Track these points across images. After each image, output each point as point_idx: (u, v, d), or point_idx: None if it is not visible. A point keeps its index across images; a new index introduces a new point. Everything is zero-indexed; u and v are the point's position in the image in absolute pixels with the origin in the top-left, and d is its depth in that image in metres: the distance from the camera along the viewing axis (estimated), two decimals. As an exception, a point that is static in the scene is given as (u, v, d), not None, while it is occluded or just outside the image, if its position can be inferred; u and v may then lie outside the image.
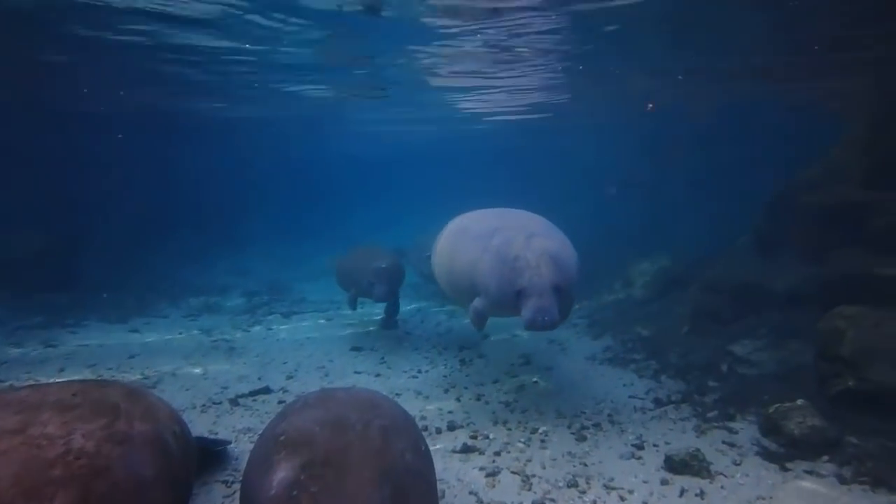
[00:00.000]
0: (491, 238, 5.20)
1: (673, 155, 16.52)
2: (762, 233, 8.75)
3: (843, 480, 4.12)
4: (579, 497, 4.01)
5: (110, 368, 6.89)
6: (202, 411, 5.57)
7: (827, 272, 6.53)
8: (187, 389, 6.19)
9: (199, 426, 5.15)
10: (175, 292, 11.84)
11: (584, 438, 4.93)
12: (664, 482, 4.18)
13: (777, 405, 4.77)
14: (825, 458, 4.40)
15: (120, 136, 16.63)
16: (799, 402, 4.73)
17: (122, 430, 2.85)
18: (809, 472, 4.25)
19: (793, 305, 6.82)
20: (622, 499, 3.99)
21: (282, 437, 3.14)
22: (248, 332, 8.92)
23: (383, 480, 2.96)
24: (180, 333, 8.74)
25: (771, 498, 3.94)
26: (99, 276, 11.84)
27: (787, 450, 4.53)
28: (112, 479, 2.61)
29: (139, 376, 6.60)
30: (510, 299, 4.82)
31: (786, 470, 4.31)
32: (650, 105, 12.27)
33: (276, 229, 21.19)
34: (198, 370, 6.88)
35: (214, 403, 5.77)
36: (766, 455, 4.52)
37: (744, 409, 5.29)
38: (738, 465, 4.41)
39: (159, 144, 22.43)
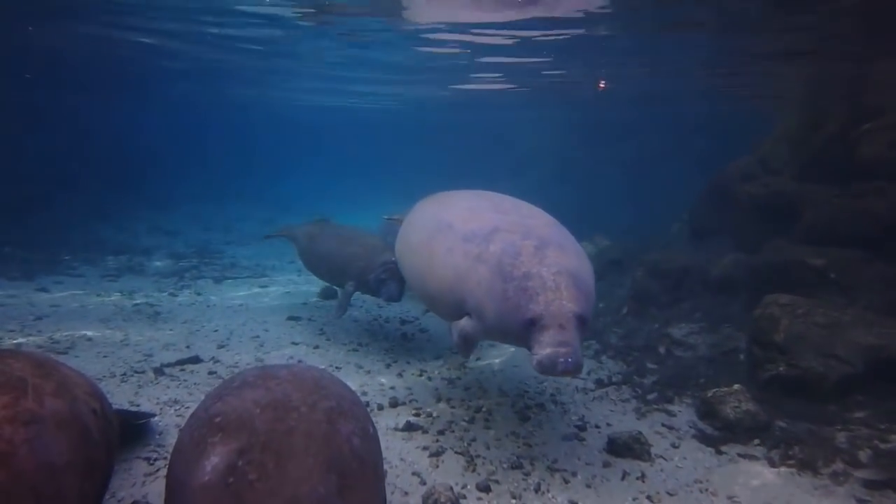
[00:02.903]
0: (488, 242, 3.97)
1: (608, 141, 16.94)
2: (697, 220, 9.07)
3: (772, 463, 4.30)
4: (523, 479, 3.97)
5: (12, 331, 6.19)
6: (122, 381, 5.11)
7: (759, 260, 6.81)
8: (105, 356, 5.67)
9: (119, 397, 4.72)
10: (91, 250, 10.93)
11: (527, 418, 4.90)
12: (606, 464, 4.22)
13: (715, 390, 4.93)
14: (756, 441, 4.57)
15: (28, 76, 14.92)
16: (735, 386, 4.90)
17: (30, 409, 2.45)
18: (742, 456, 4.40)
19: (725, 291, 7.10)
20: (566, 481, 3.98)
21: (217, 419, 2.85)
22: (176, 296, 8.35)
23: (329, 468, 2.75)
24: (98, 295, 8.05)
25: (707, 481, 4.05)
26: (-1, 230, 10.70)
27: (722, 433, 4.69)
28: (16, 467, 2.23)
29: (47, 340, 5.98)
30: (516, 328, 3.64)
31: (721, 453, 4.45)
32: (602, 83, 12.36)
33: (203, 190, 20.10)
34: (118, 335, 6.33)
35: (136, 372, 5.31)
36: (703, 438, 4.66)
37: (681, 392, 5.45)
38: (677, 447, 4.52)
39: (76, 95, 20.63)
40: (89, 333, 6.32)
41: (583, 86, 13.10)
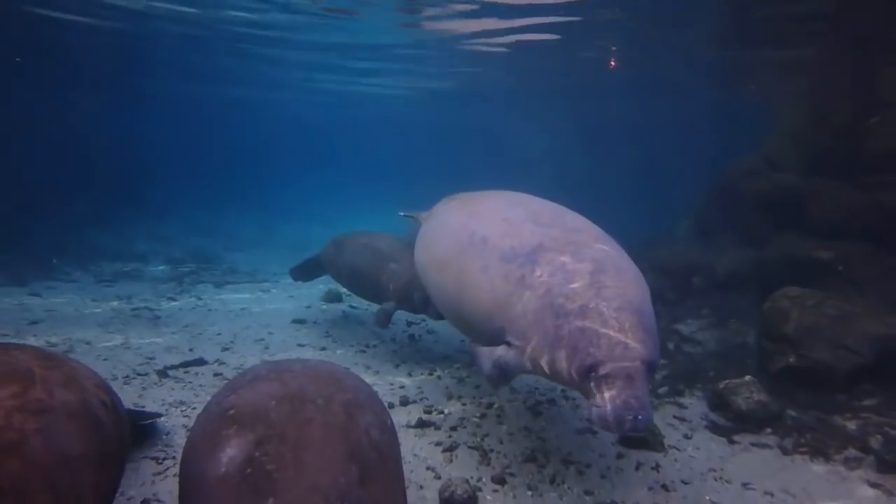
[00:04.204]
0: (533, 263, 3.31)
1: (610, 145, 17.01)
2: (703, 218, 9.06)
3: (785, 451, 4.32)
4: (538, 471, 3.92)
5: (6, 335, 6.05)
6: (125, 383, 5.02)
7: (766, 255, 6.81)
8: (105, 359, 5.57)
9: (123, 399, 4.59)
10: (84, 256, 10.77)
11: (539, 414, 4.85)
12: (620, 456, 4.18)
13: (726, 381, 4.91)
14: (768, 430, 4.59)
15: (18, 59, 14.61)
16: (746, 378, 4.90)
17: (39, 399, 2.36)
18: (755, 445, 4.42)
19: (732, 287, 7.10)
20: (581, 473, 3.93)
21: (231, 411, 2.77)
22: (175, 301, 8.24)
23: (349, 459, 2.68)
24: (94, 300, 7.93)
25: (721, 469, 4.03)
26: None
27: (734, 423, 4.69)
28: (28, 456, 2.15)
29: (44, 344, 5.86)
30: (568, 373, 3.02)
31: (733, 443, 4.46)
32: (612, 62, 12.39)
33: (200, 196, 19.99)
34: (118, 339, 6.23)
35: (139, 375, 5.22)
36: (715, 429, 4.66)
37: (692, 386, 5.44)
38: (690, 438, 4.50)
39: (67, 99, 20.53)
40: (87, 337, 6.22)
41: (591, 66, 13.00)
